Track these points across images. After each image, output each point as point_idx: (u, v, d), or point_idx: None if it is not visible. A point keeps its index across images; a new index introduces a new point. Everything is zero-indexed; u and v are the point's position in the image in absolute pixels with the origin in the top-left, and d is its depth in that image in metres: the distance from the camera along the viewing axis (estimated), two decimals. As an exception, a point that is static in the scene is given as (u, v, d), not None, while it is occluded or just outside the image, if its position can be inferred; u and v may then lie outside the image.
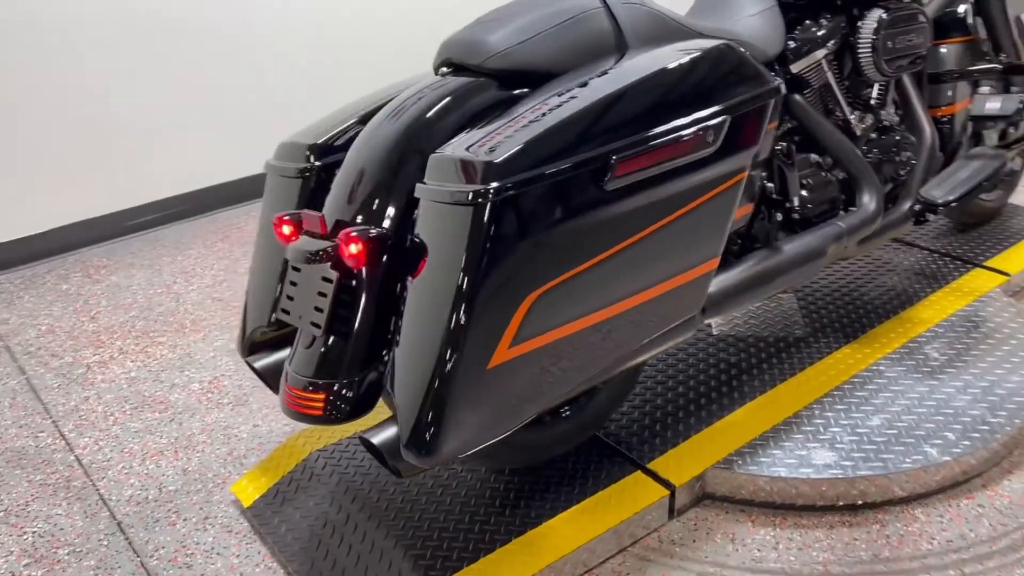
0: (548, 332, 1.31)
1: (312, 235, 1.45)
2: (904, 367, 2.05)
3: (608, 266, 1.34)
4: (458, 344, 1.23)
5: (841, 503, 1.75)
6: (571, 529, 1.63)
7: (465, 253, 1.22)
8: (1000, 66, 2.27)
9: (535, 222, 1.24)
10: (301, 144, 1.65)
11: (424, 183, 1.32)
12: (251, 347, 1.75)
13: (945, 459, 1.75)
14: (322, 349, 1.42)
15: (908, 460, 1.74)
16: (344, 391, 1.41)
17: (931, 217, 2.13)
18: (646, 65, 1.41)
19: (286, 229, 1.53)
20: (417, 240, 1.33)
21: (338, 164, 1.62)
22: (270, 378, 1.67)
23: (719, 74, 1.43)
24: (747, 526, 1.73)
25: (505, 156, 1.22)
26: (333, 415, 1.41)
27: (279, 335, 1.76)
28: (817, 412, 1.91)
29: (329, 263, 1.40)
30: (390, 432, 1.34)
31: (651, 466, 1.78)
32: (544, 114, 1.31)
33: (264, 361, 1.69)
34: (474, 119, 1.49)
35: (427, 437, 1.25)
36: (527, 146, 1.23)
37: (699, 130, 1.35)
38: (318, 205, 1.58)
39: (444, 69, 1.60)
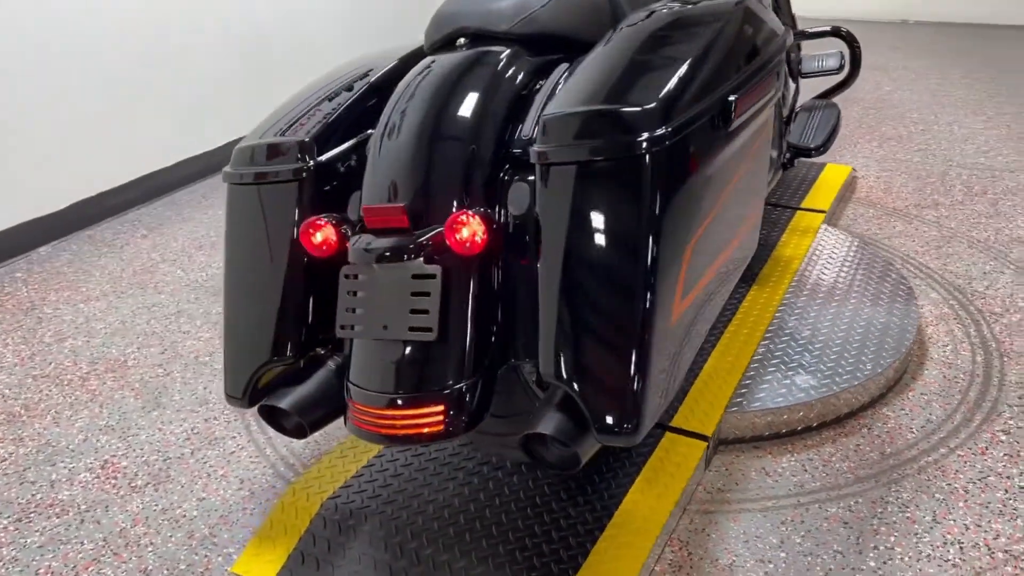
0: (699, 281, 1.29)
1: (374, 232, 1.26)
2: (806, 296, 2.30)
3: (728, 207, 1.36)
4: (649, 307, 1.16)
5: (830, 418, 1.93)
6: (647, 502, 1.61)
7: (638, 209, 1.16)
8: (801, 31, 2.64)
9: (687, 167, 1.22)
10: (288, 143, 1.43)
11: (542, 147, 1.21)
12: (253, 394, 1.48)
13: (886, 364, 2.00)
14: (431, 355, 1.25)
15: (860, 371, 1.97)
16: (466, 397, 1.26)
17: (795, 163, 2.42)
18: (709, 15, 1.44)
19: (320, 236, 1.33)
20: (537, 212, 1.23)
21: (338, 160, 1.44)
22: (293, 419, 1.41)
23: (759, 21, 1.51)
24: (769, 460, 1.84)
25: (657, 103, 1.18)
26: (456, 426, 1.26)
27: (282, 372, 1.51)
28: (771, 347, 2.07)
29: (421, 257, 1.24)
30: (552, 424, 1.22)
31: (673, 424, 1.81)
32: (646, 65, 1.28)
33: (286, 399, 1.42)
34: (527, 86, 1.41)
35: (631, 412, 1.17)
36: (669, 94, 1.20)
37: (774, 66, 1.44)
38: (320, 209, 1.39)
39: (462, 40, 1.49)
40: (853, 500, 1.71)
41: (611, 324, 1.17)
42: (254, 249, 1.44)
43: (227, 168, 1.48)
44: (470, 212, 1.23)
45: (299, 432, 1.43)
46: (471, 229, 1.22)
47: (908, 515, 1.66)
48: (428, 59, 1.47)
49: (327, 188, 1.43)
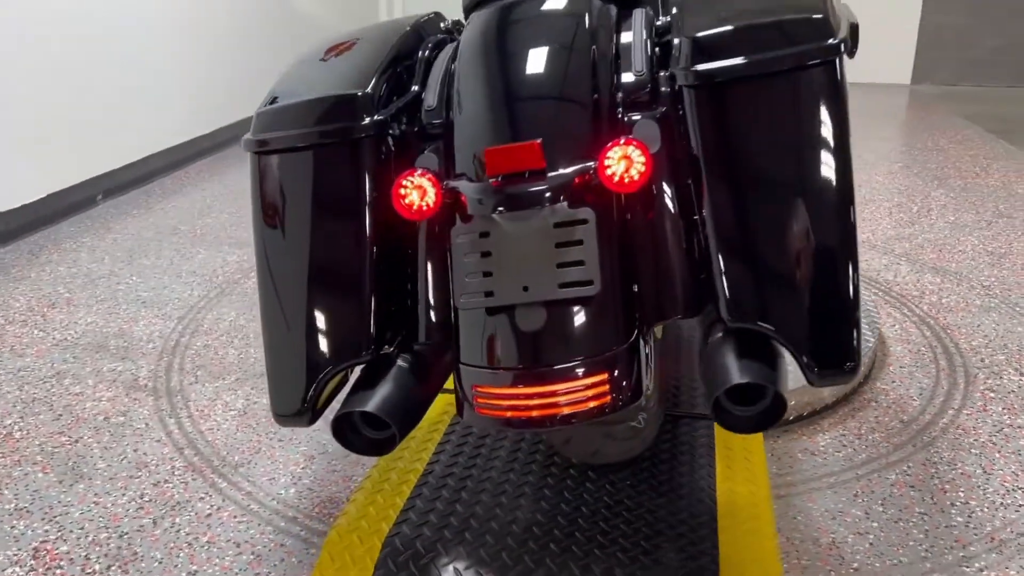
0: None
1: (497, 179, 1.06)
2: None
3: None
4: (855, 225, 1.06)
5: (840, 396, 1.93)
6: (741, 490, 1.48)
7: (840, 119, 1.06)
8: None
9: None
10: (347, 96, 1.19)
11: (711, 65, 1.08)
12: (315, 409, 1.20)
13: (874, 338, 2.05)
14: (586, 314, 1.06)
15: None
16: (628, 362, 1.08)
17: None
18: None
19: (416, 194, 1.10)
20: (698, 142, 1.09)
21: (398, 118, 1.23)
22: (370, 430, 1.15)
23: None
24: (805, 440, 1.79)
25: (824, 13, 1.10)
26: (624, 396, 1.07)
27: (341, 381, 1.25)
28: (761, 336, 2.05)
29: (565, 201, 1.06)
30: (751, 371, 1.06)
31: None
32: None
33: (372, 403, 1.15)
34: (616, 25, 1.28)
35: (852, 347, 1.05)
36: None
37: None
38: (391, 173, 1.17)
39: None
40: (905, 465, 1.69)
41: (821, 251, 1.05)
42: (310, 227, 1.18)
43: (252, 135, 1.21)
44: (632, 139, 1.06)
45: (377, 446, 1.16)
46: (631, 160, 1.06)
47: (960, 471, 1.67)
48: (495, 7, 1.32)
49: (394, 149, 1.21)
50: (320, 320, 1.16)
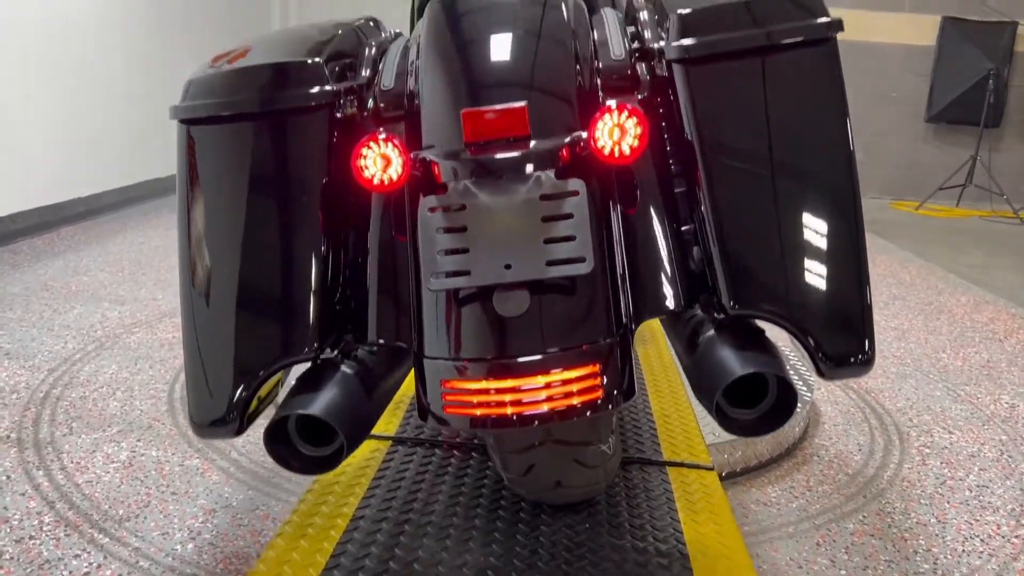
0: None
1: (476, 146, 0.95)
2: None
3: None
4: (859, 206, 1.00)
5: (783, 449, 1.85)
6: (712, 535, 1.35)
7: (840, 96, 1.01)
8: None
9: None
10: (293, 64, 1.07)
11: (702, 39, 1.01)
12: (244, 416, 1.02)
13: (809, 395, 2.00)
14: (573, 298, 0.94)
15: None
16: (618, 356, 0.96)
17: None
18: None
19: (380, 162, 0.97)
20: (693, 121, 1.02)
21: (355, 90, 1.12)
22: (309, 444, 0.98)
23: None
24: (755, 492, 1.69)
25: None
26: (616, 393, 0.95)
27: (274, 387, 1.08)
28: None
29: (553, 171, 0.96)
30: (756, 361, 0.95)
31: (669, 459, 1.59)
32: None
33: (316, 406, 0.97)
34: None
35: (865, 337, 0.96)
36: None
37: None
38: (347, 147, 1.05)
39: None
40: (860, 515, 1.61)
41: (829, 234, 0.98)
42: (245, 207, 1.02)
43: (182, 101, 1.05)
44: (627, 105, 0.96)
45: (318, 464, 0.99)
46: (625, 131, 0.96)
47: (915, 520, 1.60)
48: None
49: (345, 130, 1.08)
50: (253, 313, 0.99)
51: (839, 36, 1.05)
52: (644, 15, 1.22)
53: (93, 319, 2.58)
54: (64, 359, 2.23)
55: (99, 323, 2.54)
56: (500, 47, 1.08)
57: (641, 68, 1.12)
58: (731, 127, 1.00)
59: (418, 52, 1.13)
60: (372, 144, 0.95)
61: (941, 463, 1.86)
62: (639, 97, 1.09)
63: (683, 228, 1.03)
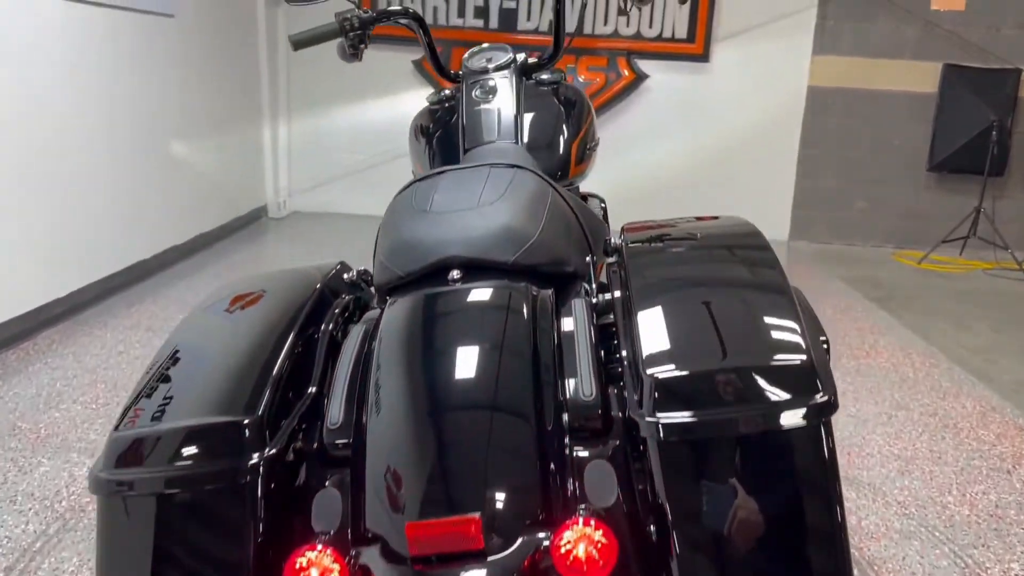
0: None
1: (423, 561, 0.86)
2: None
3: None
4: None
5: None
6: None
7: (821, 485, 0.91)
8: None
9: None
10: (228, 425, 0.97)
11: (668, 418, 0.91)
12: None
13: None
14: None
15: None
16: None
17: None
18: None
19: (314, 573, 0.89)
20: (668, 496, 0.92)
21: (291, 445, 1.04)
22: None
23: None
24: None
25: (810, 357, 0.96)
26: None
27: None
28: None
29: None
30: None
31: None
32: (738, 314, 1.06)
33: None
34: (551, 330, 1.11)
35: None
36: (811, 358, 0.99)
37: None
38: (282, 520, 0.97)
39: (455, 272, 1.18)
40: None
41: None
42: None
43: (103, 473, 0.95)
44: (591, 519, 0.87)
45: None
46: (597, 545, 0.87)
47: None
48: (419, 295, 1.15)
49: (284, 489, 0.99)
50: None
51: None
52: (618, 324, 1.15)
53: (59, 481, 2.47)
54: (24, 549, 2.12)
55: (64, 487, 2.44)
56: (453, 405, 1.02)
57: (612, 396, 1.05)
58: (707, 513, 0.92)
59: (369, 384, 1.07)
60: (307, 554, 0.89)
61: None
62: (612, 447, 1.02)
63: None
